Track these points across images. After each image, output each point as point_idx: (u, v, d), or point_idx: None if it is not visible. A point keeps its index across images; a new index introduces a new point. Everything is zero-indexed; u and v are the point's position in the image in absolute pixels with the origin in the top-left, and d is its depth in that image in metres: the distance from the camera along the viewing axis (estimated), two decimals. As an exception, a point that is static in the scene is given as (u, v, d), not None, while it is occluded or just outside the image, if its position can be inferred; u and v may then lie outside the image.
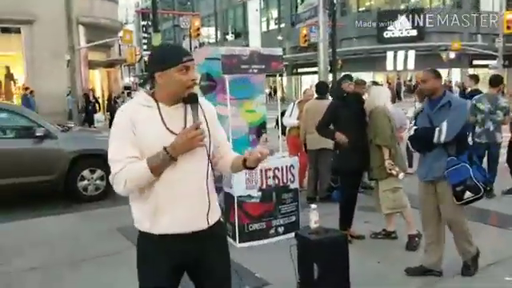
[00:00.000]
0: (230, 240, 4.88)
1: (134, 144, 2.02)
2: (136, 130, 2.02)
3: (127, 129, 2.02)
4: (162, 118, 2.05)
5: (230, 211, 4.86)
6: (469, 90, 9.14)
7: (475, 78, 8.17)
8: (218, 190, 5.11)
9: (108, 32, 21.90)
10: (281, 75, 5.96)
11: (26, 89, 16.16)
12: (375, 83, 7.00)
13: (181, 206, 2.07)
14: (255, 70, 4.99)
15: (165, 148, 1.99)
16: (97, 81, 24.64)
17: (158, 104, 2.07)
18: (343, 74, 5.99)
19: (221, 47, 4.85)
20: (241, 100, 5.33)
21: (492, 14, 28.98)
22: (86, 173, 7.04)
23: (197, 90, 5.42)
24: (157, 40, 17.61)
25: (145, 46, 43.14)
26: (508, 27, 23.59)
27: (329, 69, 9.71)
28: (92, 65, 22.20)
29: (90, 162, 7.10)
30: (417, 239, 4.55)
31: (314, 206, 3.61)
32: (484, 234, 4.79)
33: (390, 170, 4.52)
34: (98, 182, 7.11)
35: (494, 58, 25.70)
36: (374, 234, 4.93)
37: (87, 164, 7.07)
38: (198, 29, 25.60)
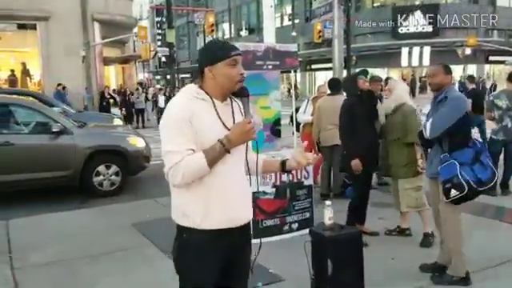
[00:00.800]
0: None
1: (191, 136, 2.03)
2: (193, 122, 2.03)
3: (185, 121, 2.03)
4: (217, 113, 2.10)
5: (243, 207, 4.87)
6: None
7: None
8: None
9: (123, 28, 22.10)
10: (295, 71, 5.95)
11: (59, 84, 16.40)
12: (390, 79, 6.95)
13: (231, 199, 2.11)
14: (270, 66, 4.99)
15: (221, 141, 2.03)
16: (112, 77, 24.87)
17: (211, 98, 2.11)
18: (358, 69, 5.95)
19: (236, 43, 4.83)
20: (256, 96, 5.31)
21: (508, 9, 28.45)
22: (101, 168, 7.10)
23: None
24: (171, 36, 17.71)
25: (159, 43, 43.26)
26: (526, 22, 23.17)
27: (343, 65, 9.66)
28: (107, 61, 22.43)
29: (106, 158, 7.16)
30: (430, 238, 4.52)
31: (328, 202, 3.59)
32: (499, 231, 4.73)
33: (423, 169, 4.46)
34: (113, 177, 7.16)
35: (510, 54, 25.28)
36: (388, 231, 4.90)
37: (103, 159, 7.13)
38: (212, 25, 25.66)
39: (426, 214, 4.60)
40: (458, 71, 29.43)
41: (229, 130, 2.08)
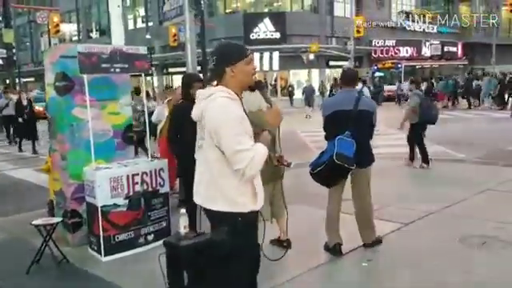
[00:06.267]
0: (94, 254, 4.53)
1: (247, 132, 2.32)
2: (243, 121, 2.31)
3: (241, 121, 2.30)
4: (243, 108, 2.42)
5: (93, 223, 4.49)
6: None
7: None
8: (81, 200, 4.72)
9: None
10: (148, 75, 5.69)
11: None
12: None
13: (260, 180, 2.49)
14: (118, 70, 4.68)
15: (268, 130, 2.40)
16: None
17: (238, 96, 2.40)
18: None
19: (80, 45, 4.45)
20: (103, 101, 4.97)
21: (344, 19, 31.70)
22: None
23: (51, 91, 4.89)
24: (9, 37, 15.87)
25: (-6, 43, 38.45)
26: (358, 31, 26.11)
27: (199, 69, 9.65)
28: None
29: None
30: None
31: (183, 210, 3.47)
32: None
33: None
34: None
35: (346, 59, 28.21)
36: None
37: None
38: (57, 25, 23.70)
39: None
40: (303, 75, 31.93)
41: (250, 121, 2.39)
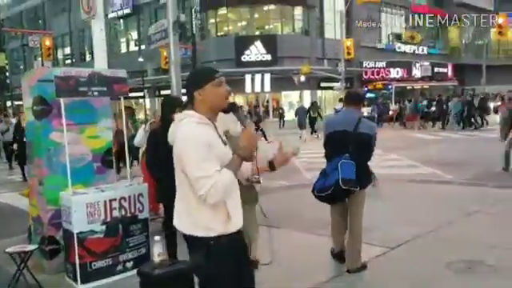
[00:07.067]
0: (70, 282, 4.39)
1: (214, 158, 2.24)
2: (211, 146, 2.25)
3: (207, 146, 2.23)
4: (217, 132, 2.39)
5: (69, 250, 4.35)
6: None
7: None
8: (58, 226, 4.60)
9: None
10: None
11: None
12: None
13: (237, 202, 2.44)
14: (96, 93, 4.61)
15: (237, 154, 2.30)
16: None
17: (211, 121, 2.37)
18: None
19: (57, 68, 4.40)
20: (82, 125, 4.89)
21: (334, 41, 32.04)
22: None
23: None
24: (1, 60, 15.78)
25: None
26: (348, 53, 26.38)
27: (184, 91, 9.59)
28: None
29: None
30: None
31: (157, 237, 3.38)
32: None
33: None
34: None
35: (337, 80, 28.40)
36: None
37: None
38: (49, 48, 23.80)
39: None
40: (294, 96, 32.08)
41: (225, 145, 2.39)
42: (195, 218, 2.34)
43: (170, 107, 4.65)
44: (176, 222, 2.47)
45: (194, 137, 2.24)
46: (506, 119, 10.66)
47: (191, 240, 2.39)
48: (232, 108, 2.42)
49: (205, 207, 2.27)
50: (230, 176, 2.25)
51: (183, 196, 2.37)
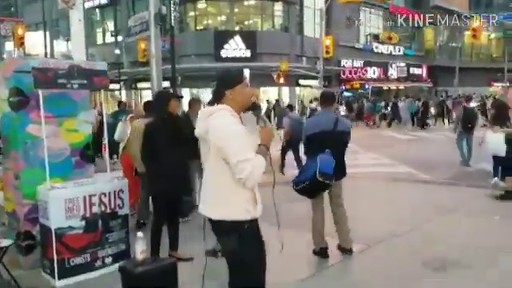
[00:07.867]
0: (48, 277, 4.29)
1: (251, 145, 2.57)
2: (245, 135, 2.57)
3: (245, 134, 2.56)
4: (244, 125, 2.67)
5: (47, 245, 4.26)
6: None
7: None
8: (35, 221, 4.48)
9: None
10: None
11: None
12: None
13: (258, 192, 2.70)
14: (75, 85, 4.50)
15: (264, 145, 2.63)
16: None
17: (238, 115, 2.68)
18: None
19: (33, 59, 4.27)
20: (60, 118, 4.77)
21: (313, 39, 32.15)
22: None
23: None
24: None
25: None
26: (327, 52, 26.55)
27: (164, 85, 9.47)
28: None
29: None
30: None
31: (140, 234, 3.33)
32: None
33: None
34: None
35: (315, 78, 28.55)
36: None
37: None
38: (22, 37, 23.09)
39: None
40: (273, 93, 32.10)
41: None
42: (235, 202, 2.57)
43: (165, 101, 4.62)
44: (210, 211, 2.64)
45: (233, 126, 2.55)
46: (459, 117, 11.38)
47: (223, 224, 2.58)
48: (254, 106, 2.76)
49: (243, 190, 2.55)
50: (263, 162, 2.53)
51: (221, 184, 2.59)
